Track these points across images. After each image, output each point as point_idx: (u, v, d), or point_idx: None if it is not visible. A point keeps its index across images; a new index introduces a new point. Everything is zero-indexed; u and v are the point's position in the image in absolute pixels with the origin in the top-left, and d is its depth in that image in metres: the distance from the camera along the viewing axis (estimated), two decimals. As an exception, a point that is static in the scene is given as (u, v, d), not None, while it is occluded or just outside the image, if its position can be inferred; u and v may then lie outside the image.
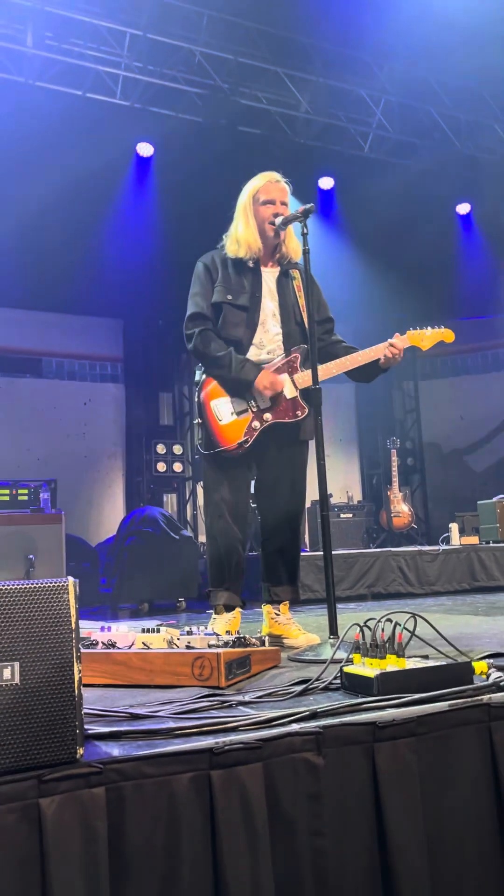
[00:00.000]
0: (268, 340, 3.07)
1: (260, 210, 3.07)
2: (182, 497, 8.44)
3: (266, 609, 3.12)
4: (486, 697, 1.67)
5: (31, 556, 5.24)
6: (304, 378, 3.00)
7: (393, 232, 7.95)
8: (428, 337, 3.21)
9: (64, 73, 6.39)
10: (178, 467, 7.83)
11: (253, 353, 3.05)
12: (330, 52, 7.03)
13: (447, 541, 6.59)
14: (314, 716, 1.58)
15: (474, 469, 9.23)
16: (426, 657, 1.97)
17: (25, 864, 1.22)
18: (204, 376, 3.10)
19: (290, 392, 3.02)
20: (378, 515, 8.34)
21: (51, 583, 1.35)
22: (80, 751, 1.32)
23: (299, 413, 3.03)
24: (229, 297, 3.05)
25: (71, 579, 1.37)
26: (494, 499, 6.51)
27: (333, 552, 2.65)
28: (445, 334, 3.24)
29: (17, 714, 1.27)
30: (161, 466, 7.76)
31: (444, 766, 1.61)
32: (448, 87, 7.56)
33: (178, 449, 7.88)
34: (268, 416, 3.00)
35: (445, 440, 9.43)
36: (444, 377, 9.67)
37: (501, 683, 1.74)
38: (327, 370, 2.98)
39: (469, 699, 1.67)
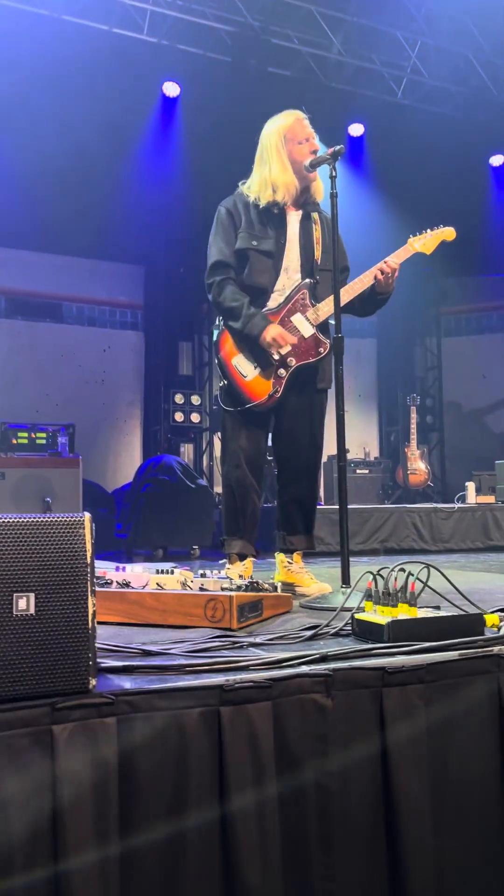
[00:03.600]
0: (289, 286, 3.01)
1: (295, 150, 2.97)
2: (199, 447, 8.45)
3: (279, 557, 3.14)
4: (496, 648, 1.68)
5: (47, 499, 5.31)
6: (317, 313, 2.94)
7: (422, 182, 7.72)
8: (429, 240, 3.06)
9: (90, 7, 6.19)
10: (195, 418, 7.81)
11: (274, 300, 3.00)
12: (366, -11, 6.75)
13: (463, 499, 6.57)
14: (324, 659, 1.59)
15: (493, 429, 9.15)
16: (438, 608, 1.98)
17: (38, 787, 1.26)
18: (220, 335, 3.05)
19: (307, 330, 2.96)
20: (394, 472, 8.32)
21: (67, 517, 1.35)
22: (93, 682, 1.34)
23: (322, 350, 2.96)
24: (254, 242, 2.99)
25: (87, 514, 1.38)
26: (513, 459, 6.46)
27: (348, 507, 2.64)
28: (446, 233, 3.09)
29: (32, 643, 1.29)
30: (179, 416, 7.75)
31: (451, 713, 1.62)
32: (487, 32, 7.22)
33: (196, 399, 7.85)
34: (291, 360, 2.95)
35: (466, 399, 9.33)
36: (467, 335, 9.51)
37: (513, 636, 1.74)
38: (328, 308, 2.91)
39: (479, 650, 1.67)
